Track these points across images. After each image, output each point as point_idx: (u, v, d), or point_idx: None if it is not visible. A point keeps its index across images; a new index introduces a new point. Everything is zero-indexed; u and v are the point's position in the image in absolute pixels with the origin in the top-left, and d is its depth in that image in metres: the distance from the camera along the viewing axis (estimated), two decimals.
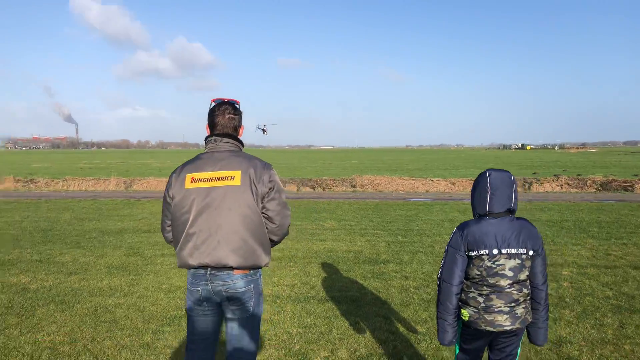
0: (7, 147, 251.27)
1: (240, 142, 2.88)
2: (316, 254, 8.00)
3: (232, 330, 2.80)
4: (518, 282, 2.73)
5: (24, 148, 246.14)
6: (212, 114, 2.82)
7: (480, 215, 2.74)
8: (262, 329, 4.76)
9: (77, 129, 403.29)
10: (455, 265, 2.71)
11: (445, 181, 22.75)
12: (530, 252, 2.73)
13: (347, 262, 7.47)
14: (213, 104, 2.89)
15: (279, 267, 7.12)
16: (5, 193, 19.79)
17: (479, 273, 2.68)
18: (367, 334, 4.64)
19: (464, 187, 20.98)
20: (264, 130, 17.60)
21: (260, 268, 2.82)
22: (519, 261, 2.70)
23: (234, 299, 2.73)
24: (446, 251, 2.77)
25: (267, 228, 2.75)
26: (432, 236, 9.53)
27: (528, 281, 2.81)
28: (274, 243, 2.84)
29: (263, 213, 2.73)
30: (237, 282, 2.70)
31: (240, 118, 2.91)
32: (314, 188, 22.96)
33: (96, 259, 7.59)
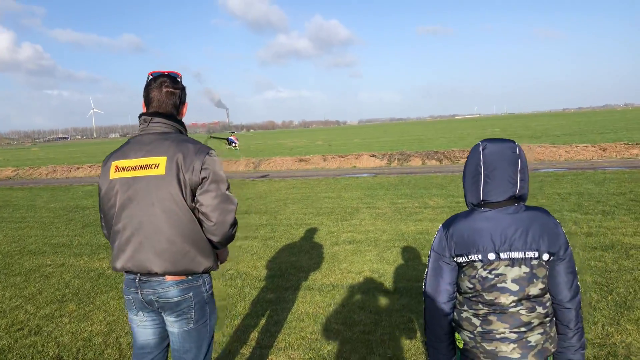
0: None
1: (180, 122, 2.42)
2: (402, 237, 7.32)
3: (173, 344, 2.41)
4: (528, 298, 1.94)
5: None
6: (147, 89, 2.38)
7: (473, 205, 1.99)
8: (300, 324, 4.36)
9: (227, 114, 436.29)
10: (440, 277, 2.00)
11: (595, 147, 19.96)
12: (545, 256, 1.93)
13: None
14: (150, 77, 2.47)
15: (353, 252, 6.62)
16: None
17: (472, 286, 1.94)
18: (417, 337, 3.98)
19: (617, 153, 18.21)
20: (231, 142, 16.15)
21: (203, 273, 2.38)
22: (527, 269, 1.91)
23: (169, 310, 2.34)
24: (429, 256, 2.06)
25: (203, 226, 2.30)
26: (551, 213, 8.21)
27: (546, 297, 1.99)
28: (218, 244, 2.37)
29: (197, 208, 2.28)
30: (170, 291, 2.29)
31: (183, 94, 2.44)
32: (440, 161, 21.77)
33: None
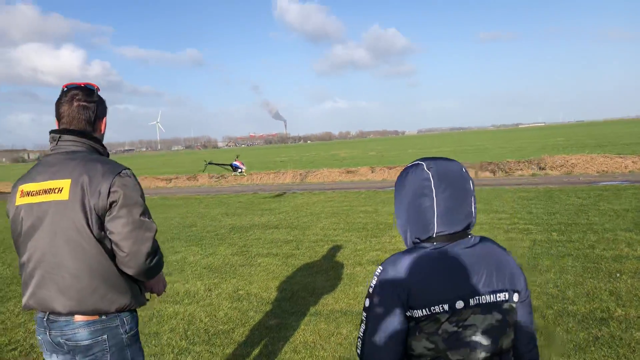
0: (229, 146, 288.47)
1: (97, 140, 2.15)
2: None
3: None
4: (500, 353, 1.53)
5: (242, 145, 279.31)
6: (57, 103, 2.13)
7: (419, 241, 1.55)
8: (294, 356, 4.01)
9: (285, 125, 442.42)
10: (386, 338, 1.48)
11: None
12: (515, 297, 1.54)
13: None
14: (64, 89, 2.21)
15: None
16: (197, 189, 22.08)
17: (433, 346, 1.47)
18: None
19: None
20: (235, 168, 15.18)
21: (120, 312, 2.08)
22: (499, 316, 1.51)
23: (80, 354, 2.05)
24: (367, 309, 1.53)
25: (117, 258, 2.01)
26: (600, 233, 7.43)
27: (511, 353, 1.59)
28: (139, 277, 2.07)
29: (108, 237, 2.00)
30: (79, 333, 2.01)
31: (99, 108, 2.17)
32: (493, 172, 20.80)
33: (201, 259, 7.62)
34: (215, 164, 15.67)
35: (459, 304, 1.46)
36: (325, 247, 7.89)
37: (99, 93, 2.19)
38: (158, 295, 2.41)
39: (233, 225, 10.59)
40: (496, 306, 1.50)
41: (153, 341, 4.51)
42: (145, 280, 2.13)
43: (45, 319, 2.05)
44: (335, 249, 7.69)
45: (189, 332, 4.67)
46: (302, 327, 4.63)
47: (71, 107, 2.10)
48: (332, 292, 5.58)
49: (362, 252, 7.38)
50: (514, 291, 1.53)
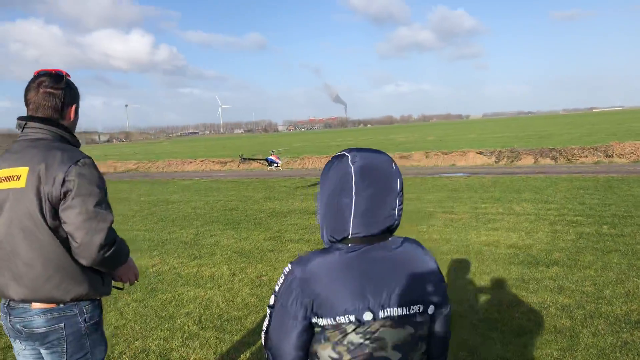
0: (289, 130, 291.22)
1: (64, 128, 2.12)
2: (465, 248, 6.55)
3: None
4: None
5: (302, 129, 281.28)
6: (26, 89, 2.11)
7: (336, 241, 1.42)
8: None
9: (345, 109, 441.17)
10: (286, 339, 1.40)
11: None
12: (431, 309, 1.41)
13: (498, 262, 5.86)
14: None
15: None
16: (248, 172, 22.39)
17: (337, 357, 1.37)
18: None
19: None
20: (271, 162, 14.26)
21: (80, 301, 2.06)
22: (412, 329, 1.39)
23: (38, 341, 2.06)
24: (271, 308, 1.43)
25: (71, 247, 1.99)
26: None
27: None
28: (98, 267, 2.04)
29: (62, 227, 1.98)
30: (35, 320, 2.02)
31: (67, 95, 2.12)
32: (555, 159, 19.82)
33: (234, 243, 7.69)
34: (250, 159, 15.68)
35: (367, 316, 1.34)
36: None
37: (68, 80, 2.16)
38: (130, 284, 2.40)
39: (273, 209, 10.64)
40: (409, 319, 1.37)
41: (166, 324, 4.58)
42: (105, 270, 2.10)
43: (6, 306, 2.08)
44: None
45: (203, 317, 4.72)
46: None
47: (37, 94, 2.08)
48: None
49: None
50: (430, 303, 1.40)
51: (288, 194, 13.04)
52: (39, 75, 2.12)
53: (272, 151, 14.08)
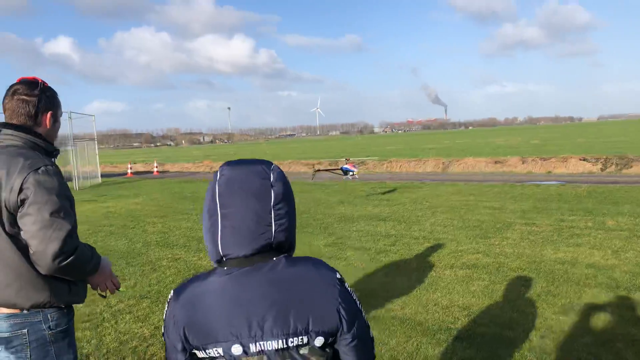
0: (385, 131, 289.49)
1: (37, 135, 2.15)
2: (536, 265, 6.02)
3: None
4: None
5: (399, 131, 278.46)
6: (3, 97, 2.18)
7: (218, 264, 1.31)
8: None
9: (445, 110, 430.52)
10: None
11: None
12: (319, 341, 1.23)
13: (570, 283, 5.32)
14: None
15: (461, 280, 5.63)
16: (332, 175, 22.42)
17: None
18: None
19: None
20: (347, 171, 13.36)
21: (44, 308, 2.07)
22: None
23: (2, 345, 2.09)
24: (163, 335, 1.36)
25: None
26: None
27: None
28: (61, 275, 2.04)
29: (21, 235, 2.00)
30: None
31: (42, 102, 2.15)
32: None
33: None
34: (324, 170, 15.53)
35: (236, 350, 1.21)
36: (424, 245, 7.42)
37: (45, 87, 2.19)
38: (111, 293, 2.39)
39: (343, 214, 10.52)
40: (289, 353, 1.21)
41: None
42: (70, 278, 2.10)
43: None
44: (434, 248, 7.19)
45: None
46: None
47: (11, 101, 2.13)
48: (404, 296, 5.20)
49: (460, 253, 6.79)
50: (319, 334, 1.21)
51: (363, 199, 12.85)
52: (16, 83, 2.17)
53: (347, 159, 13.88)
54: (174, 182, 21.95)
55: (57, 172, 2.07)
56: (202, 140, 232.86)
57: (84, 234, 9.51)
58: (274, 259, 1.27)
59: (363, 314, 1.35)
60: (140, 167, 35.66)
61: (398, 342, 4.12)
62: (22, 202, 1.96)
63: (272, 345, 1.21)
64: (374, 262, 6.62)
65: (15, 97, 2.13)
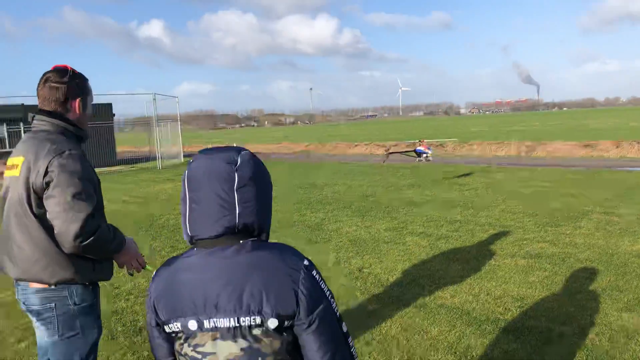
0: (472, 112, 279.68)
1: (67, 121, 2.30)
2: (608, 257, 5.65)
3: (45, 353, 2.35)
4: None
5: (486, 112, 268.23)
6: (37, 85, 2.34)
7: (190, 243, 1.39)
8: (366, 348, 3.82)
9: (538, 90, 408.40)
10: (153, 345, 1.44)
11: None
12: (272, 323, 1.27)
13: None
14: None
15: (519, 270, 5.40)
16: (406, 157, 22.09)
17: None
18: None
19: None
20: (420, 153, 12.37)
21: (70, 284, 2.24)
22: (245, 344, 1.28)
23: (35, 317, 2.30)
24: None
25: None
26: None
27: None
28: (83, 253, 2.19)
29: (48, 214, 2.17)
30: (31, 298, 2.26)
31: (70, 89, 2.29)
32: None
33: (355, 231, 7.67)
34: (396, 153, 15.18)
35: (192, 325, 1.29)
36: (488, 232, 7.17)
37: (74, 74, 2.33)
38: (137, 271, 2.54)
39: (410, 198, 10.37)
40: (241, 332, 1.26)
41: None
42: (93, 257, 2.25)
43: (15, 282, 2.36)
44: (498, 235, 6.94)
45: None
46: (396, 318, 4.35)
47: (43, 89, 2.29)
48: (457, 284, 5.08)
49: (525, 242, 6.50)
50: (273, 314, 1.25)
51: (434, 183, 12.57)
52: (48, 71, 2.33)
53: (420, 141, 13.53)
54: None
55: (82, 156, 2.20)
56: (284, 121, 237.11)
57: (160, 212, 10.08)
58: (241, 242, 1.32)
59: (331, 304, 1.35)
60: None
61: (440, 331, 4.04)
62: (47, 184, 2.11)
63: (225, 322, 1.26)
64: (432, 248, 6.50)
65: (46, 84, 2.28)
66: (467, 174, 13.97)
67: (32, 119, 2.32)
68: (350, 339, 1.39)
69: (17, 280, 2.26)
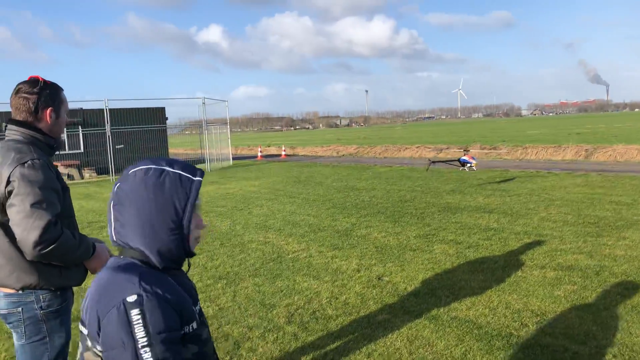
0: (534, 114, 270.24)
1: (38, 130, 2.36)
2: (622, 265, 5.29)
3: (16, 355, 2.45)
4: None
5: (550, 114, 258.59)
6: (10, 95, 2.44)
7: None
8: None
9: (607, 90, 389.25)
10: None
11: None
12: (88, 341, 1.32)
13: None
14: None
15: (546, 283, 5.16)
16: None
17: None
18: None
19: None
20: (464, 163, 11.67)
21: (36, 289, 2.31)
22: (81, 348, 1.36)
23: (4, 320, 2.40)
24: None
25: None
26: None
27: None
28: (44, 261, 2.25)
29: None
30: (0, 302, 2.36)
31: (42, 99, 2.35)
32: None
33: (383, 237, 7.56)
34: (441, 161, 14.87)
35: (81, 326, 1.37)
36: (522, 240, 6.90)
37: (46, 84, 2.38)
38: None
39: (447, 204, 10.12)
40: (83, 338, 1.34)
41: (262, 313, 4.79)
42: (57, 264, 2.30)
43: None
44: (531, 245, 6.65)
45: (299, 310, 4.80)
46: (404, 329, 4.25)
47: (15, 99, 2.37)
48: (476, 296, 4.91)
49: (560, 253, 6.20)
50: (89, 333, 1.31)
51: (476, 188, 12.21)
52: (21, 82, 2.41)
53: (466, 150, 13.26)
54: (295, 165, 22.78)
55: (44, 166, 2.26)
56: (338, 123, 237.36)
57: None
58: (121, 257, 1.36)
59: (135, 343, 1.20)
60: (273, 150, 37.46)
61: (446, 346, 3.91)
62: (9, 193, 2.19)
63: (82, 328, 1.34)
64: (459, 257, 6.31)
65: (18, 95, 2.36)
66: (510, 179, 13.51)
67: (4, 128, 2.41)
68: None
69: None
